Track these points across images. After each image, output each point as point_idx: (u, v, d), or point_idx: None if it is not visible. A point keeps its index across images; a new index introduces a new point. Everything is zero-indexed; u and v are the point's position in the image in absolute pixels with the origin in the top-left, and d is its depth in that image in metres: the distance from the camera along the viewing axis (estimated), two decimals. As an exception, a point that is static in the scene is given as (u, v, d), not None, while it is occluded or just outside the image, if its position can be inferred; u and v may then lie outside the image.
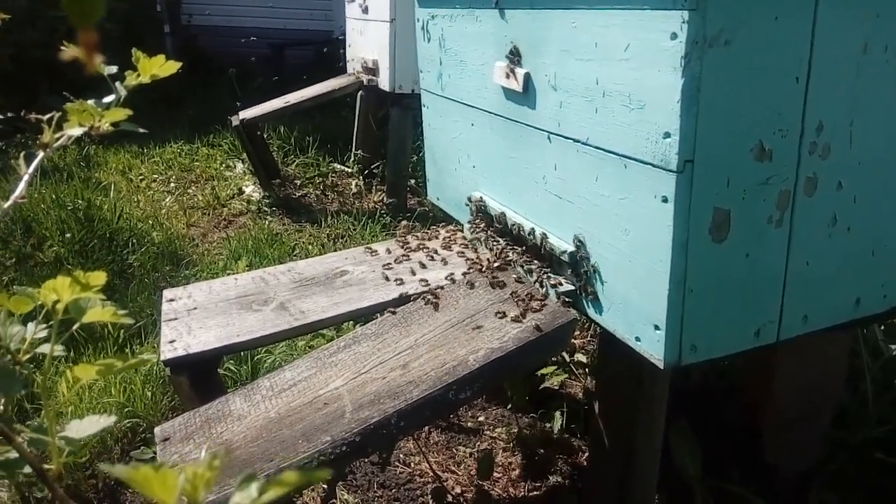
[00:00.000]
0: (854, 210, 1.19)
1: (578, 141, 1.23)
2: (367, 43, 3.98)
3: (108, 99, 0.70)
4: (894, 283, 1.32)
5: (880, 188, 1.22)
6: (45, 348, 0.57)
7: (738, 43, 0.97)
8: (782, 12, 1.00)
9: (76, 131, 0.63)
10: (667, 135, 1.00)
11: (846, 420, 1.78)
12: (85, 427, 0.58)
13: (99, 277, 0.56)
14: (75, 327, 0.59)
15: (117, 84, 0.71)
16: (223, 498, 0.97)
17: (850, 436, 1.75)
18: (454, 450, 1.96)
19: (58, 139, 0.62)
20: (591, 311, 1.27)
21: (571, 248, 1.29)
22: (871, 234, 1.24)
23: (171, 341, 1.37)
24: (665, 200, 1.03)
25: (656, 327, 1.08)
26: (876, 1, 1.09)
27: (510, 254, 1.51)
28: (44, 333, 0.58)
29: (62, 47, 0.41)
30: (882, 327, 2.02)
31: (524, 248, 1.49)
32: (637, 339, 1.14)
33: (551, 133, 1.32)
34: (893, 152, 1.22)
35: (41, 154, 0.59)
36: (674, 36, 0.96)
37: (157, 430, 1.19)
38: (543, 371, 2.11)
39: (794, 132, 1.08)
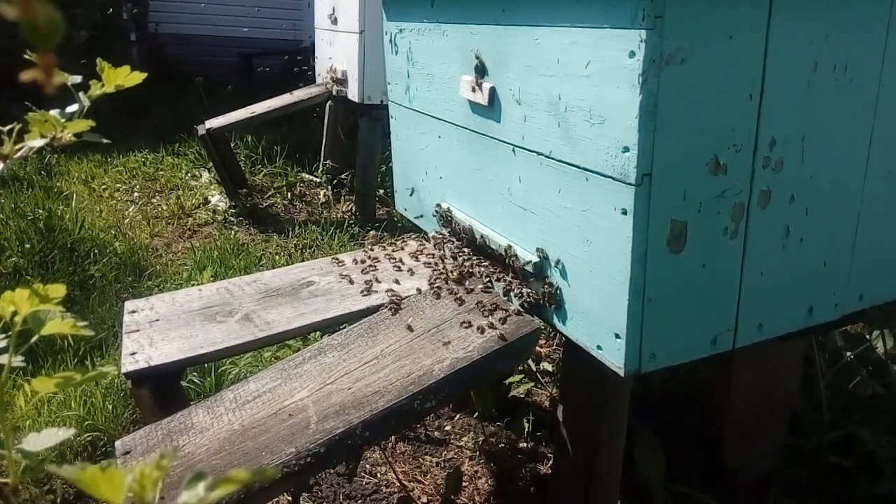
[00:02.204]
0: (806, 222, 1.24)
1: (542, 154, 1.26)
2: (336, 53, 3.98)
3: (71, 109, 0.69)
4: (845, 293, 1.36)
5: (831, 201, 1.27)
6: (2, 359, 0.57)
7: (693, 61, 1.01)
8: (736, 32, 1.04)
9: (37, 143, 0.62)
10: (626, 149, 1.03)
11: (802, 426, 1.83)
12: (42, 440, 0.57)
13: (58, 290, 0.56)
14: (34, 339, 0.59)
15: (80, 94, 0.71)
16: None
17: (805, 441, 1.80)
18: (420, 459, 1.96)
19: (18, 150, 0.61)
20: (554, 321, 1.29)
21: (535, 259, 1.31)
22: (823, 244, 1.29)
23: (133, 353, 1.35)
24: (624, 213, 1.05)
25: (617, 336, 1.11)
26: (825, 22, 1.14)
27: (476, 264, 1.53)
28: (1, 344, 0.57)
29: (25, 55, 0.41)
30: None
31: (490, 258, 1.51)
32: (598, 347, 1.16)
33: (516, 146, 1.34)
34: (843, 166, 1.27)
35: (0, 166, 0.59)
36: (632, 54, 0.99)
37: (117, 443, 1.18)
38: (510, 380, 2.13)
39: (748, 147, 1.12)
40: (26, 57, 0.41)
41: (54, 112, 0.68)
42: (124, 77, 0.72)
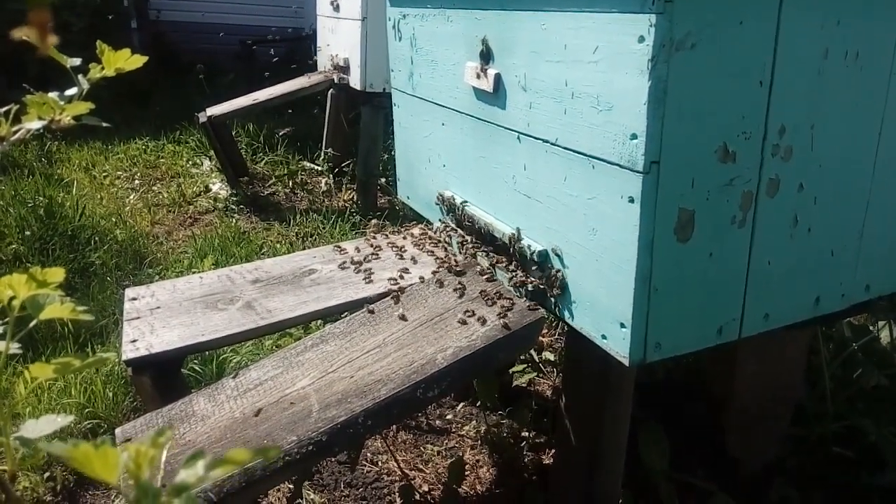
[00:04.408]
0: (814, 211, 1.22)
1: (548, 141, 1.24)
2: (338, 41, 3.95)
3: (70, 92, 0.68)
4: (852, 283, 1.35)
5: (839, 190, 1.25)
6: None
7: (703, 46, 0.99)
8: (747, 17, 1.02)
9: (35, 124, 0.61)
10: (633, 136, 1.01)
11: (806, 416, 1.82)
12: (41, 427, 0.56)
13: (56, 273, 0.55)
14: (32, 324, 0.58)
15: (80, 77, 0.70)
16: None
17: (809, 431, 1.79)
18: (422, 448, 1.96)
19: (15, 132, 0.60)
20: (558, 310, 1.28)
21: (540, 248, 1.30)
22: (831, 234, 1.27)
23: (133, 341, 1.34)
24: (631, 201, 1.04)
25: (622, 325, 1.10)
26: (836, 8, 1.12)
27: (479, 253, 1.51)
28: (-1, 330, 0.56)
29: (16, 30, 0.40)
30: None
31: (493, 247, 1.49)
32: (603, 336, 1.15)
33: (521, 133, 1.32)
34: (852, 155, 1.25)
35: (-3, 147, 0.58)
36: (641, 39, 0.98)
37: (117, 431, 1.17)
38: (513, 369, 2.12)
39: (758, 134, 1.10)
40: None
41: (53, 95, 0.66)
42: (124, 60, 0.71)
